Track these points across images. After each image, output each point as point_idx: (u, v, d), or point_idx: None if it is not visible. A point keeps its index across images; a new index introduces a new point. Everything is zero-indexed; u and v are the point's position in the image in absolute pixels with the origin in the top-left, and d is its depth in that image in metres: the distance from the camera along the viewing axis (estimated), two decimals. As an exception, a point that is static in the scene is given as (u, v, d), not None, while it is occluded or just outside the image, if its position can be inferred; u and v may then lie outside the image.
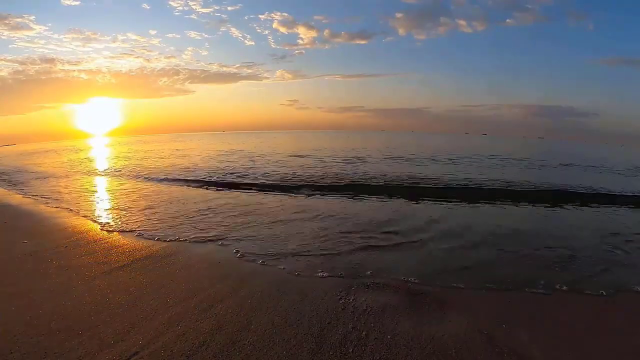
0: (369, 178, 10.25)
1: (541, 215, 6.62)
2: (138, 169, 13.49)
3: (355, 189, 8.80)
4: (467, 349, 2.36)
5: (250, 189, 8.95)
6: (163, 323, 2.64)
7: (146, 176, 11.50)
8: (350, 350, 2.32)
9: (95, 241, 4.71)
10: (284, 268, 3.76)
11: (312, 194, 8.25)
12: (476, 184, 9.51)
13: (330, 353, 2.30)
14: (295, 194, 8.34)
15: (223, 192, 8.66)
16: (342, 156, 17.58)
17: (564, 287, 3.35)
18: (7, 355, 2.26)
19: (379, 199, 7.67)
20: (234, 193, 8.49)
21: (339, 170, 12.18)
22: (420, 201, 7.47)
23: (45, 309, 2.86)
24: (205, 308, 2.88)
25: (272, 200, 7.61)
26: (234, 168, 12.99)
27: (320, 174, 11.09)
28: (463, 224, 5.61)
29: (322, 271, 3.65)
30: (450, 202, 7.46)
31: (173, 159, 17.51)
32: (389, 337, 2.48)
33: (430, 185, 9.29)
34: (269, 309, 2.87)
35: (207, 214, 6.15)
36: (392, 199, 7.69)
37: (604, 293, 3.25)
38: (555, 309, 2.99)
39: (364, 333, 2.53)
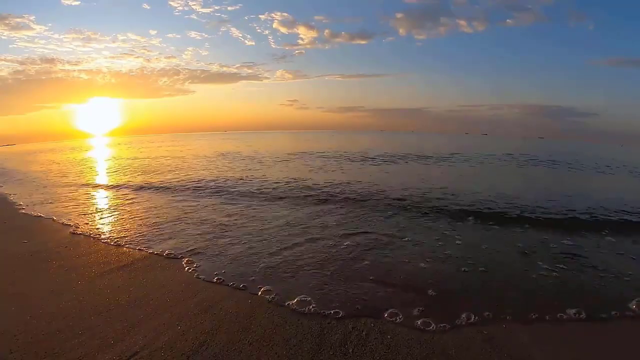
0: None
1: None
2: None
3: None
4: (467, 348, 2.36)
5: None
6: (163, 323, 2.64)
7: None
8: (350, 351, 2.32)
9: (95, 241, 4.71)
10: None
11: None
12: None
13: (330, 353, 2.30)
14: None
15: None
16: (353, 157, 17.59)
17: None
18: (7, 355, 2.26)
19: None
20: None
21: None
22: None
23: (45, 309, 2.86)
24: (205, 308, 2.88)
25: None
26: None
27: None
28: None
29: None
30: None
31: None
32: (389, 337, 2.48)
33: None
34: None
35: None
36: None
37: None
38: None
39: (364, 333, 2.53)
